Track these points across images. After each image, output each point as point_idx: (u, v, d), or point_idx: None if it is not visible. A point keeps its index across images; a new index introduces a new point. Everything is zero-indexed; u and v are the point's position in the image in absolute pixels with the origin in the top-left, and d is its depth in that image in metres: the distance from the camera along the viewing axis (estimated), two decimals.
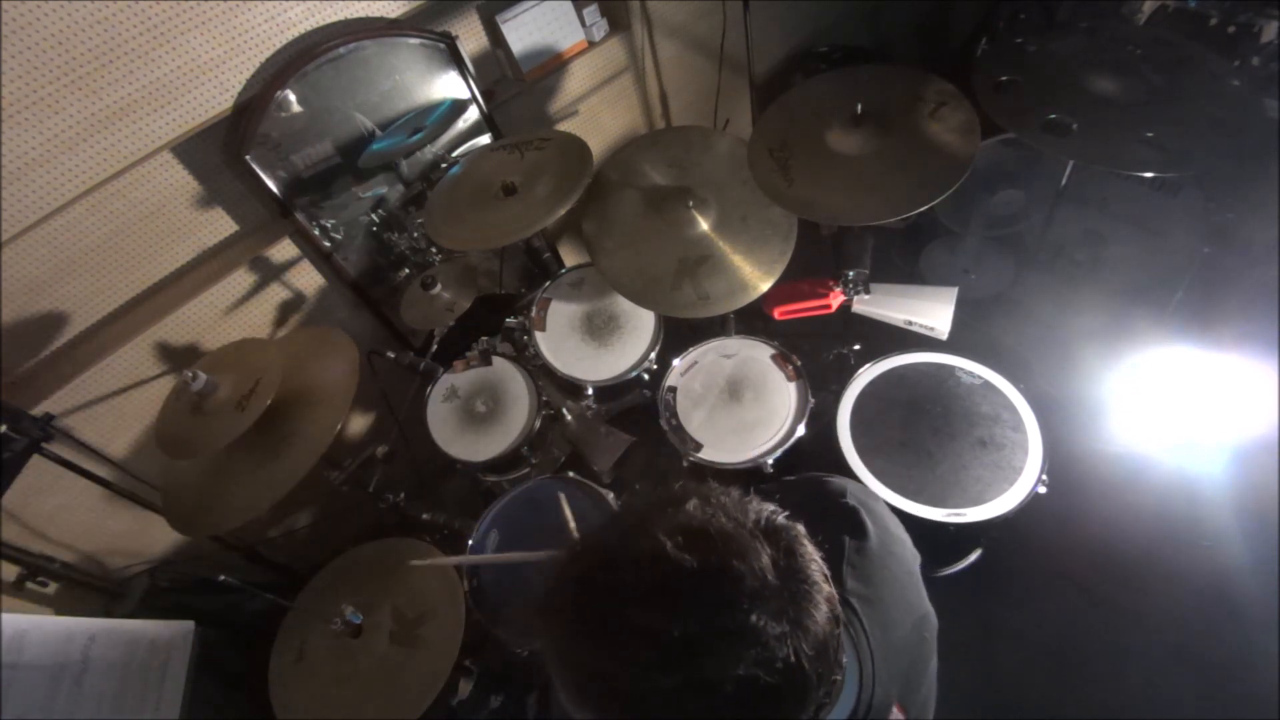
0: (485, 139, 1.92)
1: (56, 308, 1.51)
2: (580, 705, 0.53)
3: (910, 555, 0.86)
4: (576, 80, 2.02)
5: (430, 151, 1.86)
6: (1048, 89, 1.58)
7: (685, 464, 1.61)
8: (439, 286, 1.65)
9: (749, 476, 1.60)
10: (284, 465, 1.33)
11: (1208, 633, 1.64)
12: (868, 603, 0.74)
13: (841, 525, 0.81)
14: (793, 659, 0.50)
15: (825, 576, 0.56)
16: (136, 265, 1.57)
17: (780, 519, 0.57)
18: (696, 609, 0.50)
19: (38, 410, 1.41)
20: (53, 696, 1.19)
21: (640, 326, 1.80)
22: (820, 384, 1.70)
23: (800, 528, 0.58)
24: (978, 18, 2.39)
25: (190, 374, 1.32)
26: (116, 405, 1.64)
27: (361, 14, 1.60)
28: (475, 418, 1.73)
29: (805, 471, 0.93)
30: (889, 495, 1.45)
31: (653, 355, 1.76)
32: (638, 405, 1.86)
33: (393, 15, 1.65)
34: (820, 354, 1.90)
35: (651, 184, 1.74)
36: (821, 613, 0.53)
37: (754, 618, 0.49)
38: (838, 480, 0.90)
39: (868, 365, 1.65)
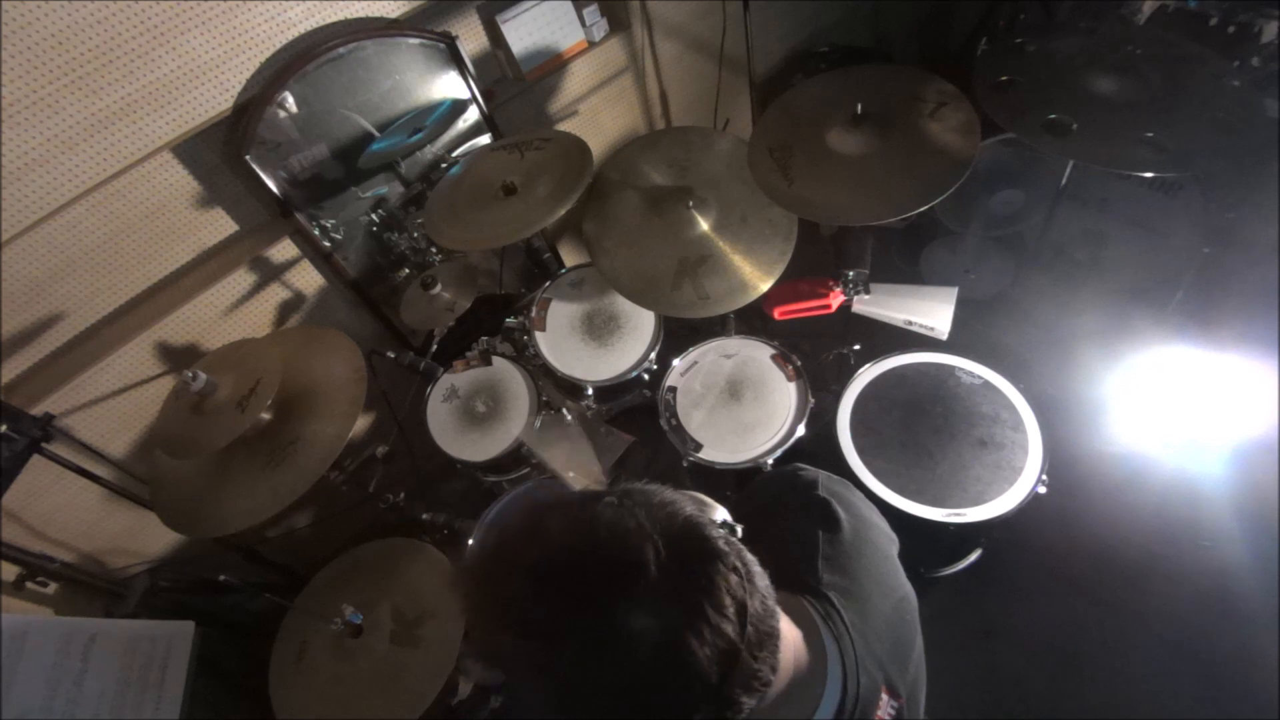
0: (485, 139, 1.92)
1: (56, 308, 1.51)
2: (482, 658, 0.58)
3: (886, 540, 0.87)
4: (576, 80, 2.02)
5: (430, 151, 1.86)
6: (1048, 89, 1.58)
7: (685, 464, 1.61)
8: (439, 286, 1.65)
9: (748, 476, 1.60)
10: (290, 472, 1.33)
11: (1208, 633, 1.64)
12: (845, 593, 0.75)
13: (815, 519, 0.83)
14: (660, 672, 0.51)
15: (740, 576, 0.56)
16: (136, 265, 1.57)
17: (711, 542, 0.57)
18: (566, 594, 0.53)
19: (38, 410, 1.41)
20: (53, 696, 1.19)
21: (640, 326, 1.80)
22: (820, 384, 1.70)
23: (718, 532, 0.58)
24: (978, 18, 2.39)
25: (190, 374, 1.32)
26: (116, 405, 1.64)
27: (361, 14, 1.60)
28: (475, 418, 1.73)
29: (807, 467, 0.93)
30: (889, 495, 1.45)
31: (653, 355, 1.76)
32: (638, 405, 1.86)
33: (393, 15, 1.65)
34: (820, 354, 1.90)
35: (651, 184, 1.74)
36: (705, 641, 0.52)
37: (624, 618, 0.51)
38: (809, 472, 0.91)
39: (868, 365, 1.65)
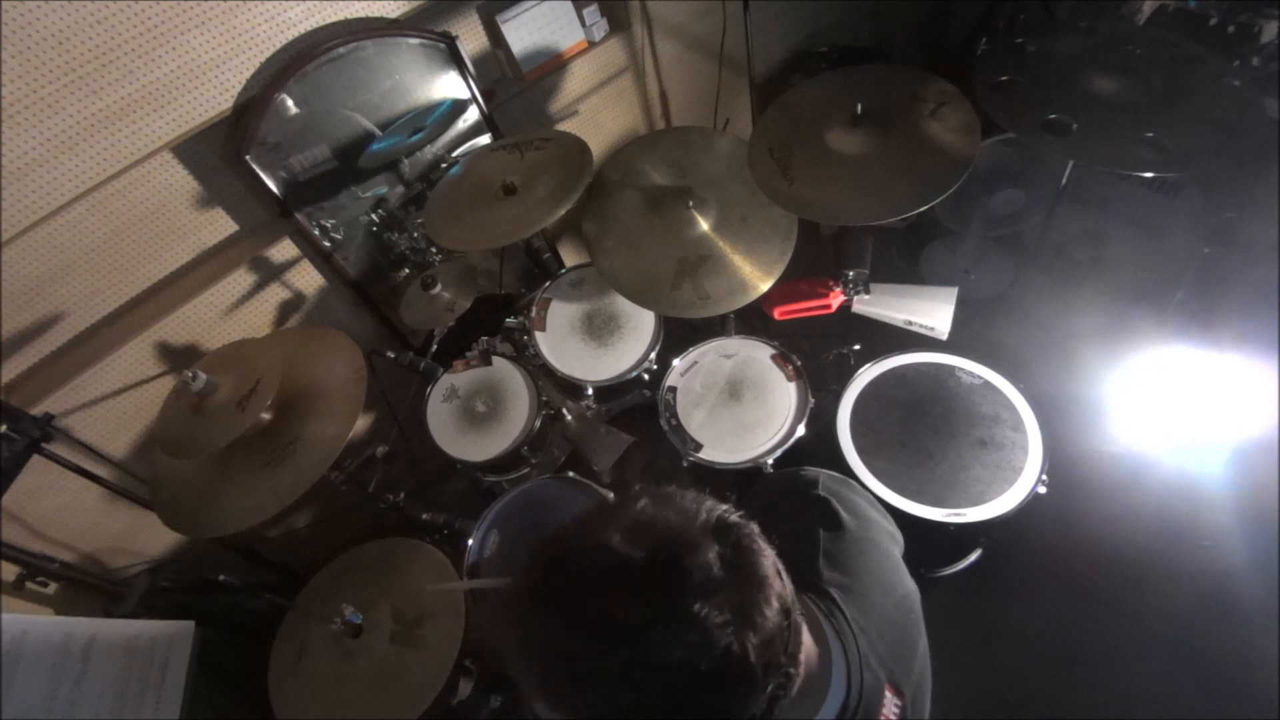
0: (485, 139, 1.92)
1: (56, 308, 1.51)
2: (539, 685, 0.56)
3: (889, 538, 0.88)
4: (576, 80, 2.02)
5: (430, 151, 1.86)
6: (1048, 89, 1.58)
7: (685, 464, 1.61)
8: (439, 286, 1.65)
9: (748, 476, 1.60)
10: (290, 472, 1.33)
11: (1208, 633, 1.64)
12: (847, 591, 0.75)
13: (816, 518, 0.83)
14: (735, 648, 0.52)
15: (779, 572, 0.58)
16: (136, 265, 1.57)
17: (732, 517, 0.59)
18: (640, 596, 0.53)
19: (38, 410, 1.41)
20: (53, 696, 1.19)
21: (640, 326, 1.80)
22: (820, 384, 1.70)
23: (753, 526, 0.60)
24: (978, 18, 2.39)
25: (190, 374, 1.32)
26: (116, 405, 1.64)
27: (361, 14, 1.60)
28: (475, 418, 1.73)
29: (809, 467, 0.94)
30: (889, 495, 1.45)
31: (653, 355, 1.76)
32: (638, 405, 1.86)
33: (393, 15, 1.64)
34: (820, 354, 1.90)
35: (651, 184, 1.74)
36: (771, 607, 0.55)
37: (696, 607, 0.51)
38: (810, 471, 0.91)
39: (868, 365, 1.65)
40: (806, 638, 0.64)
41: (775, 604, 0.55)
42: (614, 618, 0.52)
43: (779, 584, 0.57)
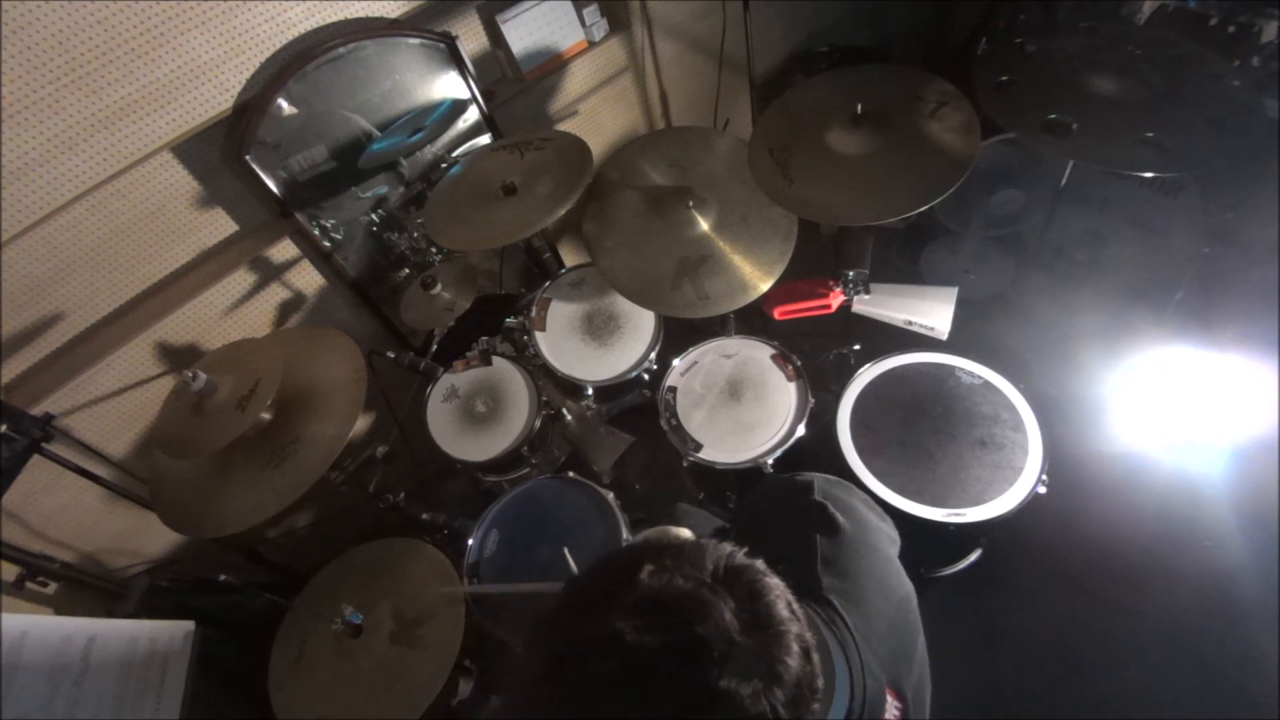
0: (485, 139, 1.92)
1: (56, 308, 1.51)
2: None
3: (887, 540, 0.87)
4: (576, 80, 2.02)
5: (430, 151, 1.86)
6: (1048, 89, 1.58)
7: (685, 464, 1.61)
8: (439, 286, 1.65)
9: (748, 477, 1.60)
10: (290, 472, 1.33)
11: (1208, 633, 1.64)
12: (847, 596, 0.75)
13: (812, 524, 0.82)
14: (768, 713, 0.49)
15: (792, 610, 0.55)
16: (136, 265, 1.57)
17: (739, 558, 0.56)
18: (664, 691, 0.49)
19: (38, 410, 1.41)
20: (53, 696, 1.19)
21: (640, 326, 1.80)
22: (820, 384, 1.70)
23: (759, 564, 0.57)
24: (978, 18, 2.39)
25: (190, 374, 1.32)
26: (116, 405, 1.64)
27: (361, 14, 1.60)
28: (475, 418, 1.73)
29: (805, 472, 0.93)
30: (889, 495, 1.45)
31: (653, 355, 1.76)
32: (638, 405, 1.86)
33: (393, 15, 1.65)
34: (820, 354, 1.91)
35: (651, 184, 1.74)
36: (793, 654, 0.52)
37: (724, 683, 0.49)
38: (805, 476, 0.90)
39: (868, 365, 1.65)
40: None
41: (796, 648, 0.53)
42: (639, 718, 0.49)
43: (795, 625, 0.54)
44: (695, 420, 1.65)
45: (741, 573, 0.55)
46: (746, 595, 0.53)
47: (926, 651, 0.80)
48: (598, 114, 2.14)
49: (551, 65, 1.92)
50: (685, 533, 0.70)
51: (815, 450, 1.61)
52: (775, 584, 0.56)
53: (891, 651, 0.74)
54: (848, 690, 0.67)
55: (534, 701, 0.53)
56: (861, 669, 0.69)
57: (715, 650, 0.50)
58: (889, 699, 0.70)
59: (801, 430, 1.58)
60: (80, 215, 1.44)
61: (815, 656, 0.54)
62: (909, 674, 0.75)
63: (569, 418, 1.81)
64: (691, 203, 1.64)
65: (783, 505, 0.89)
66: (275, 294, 1.79)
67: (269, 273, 1.75)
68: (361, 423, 2.13)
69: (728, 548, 0.57)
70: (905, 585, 0.82)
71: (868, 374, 1.64)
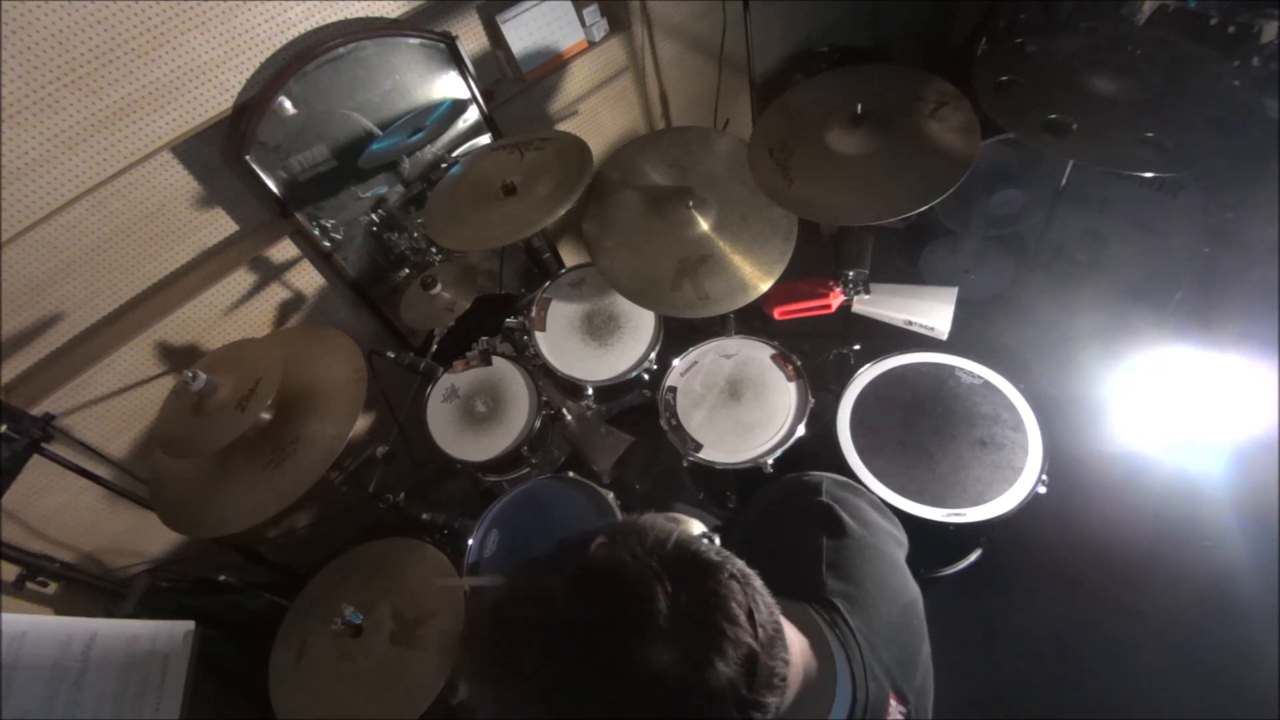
0: (485, 139, 1.92)
1: (56, 308, 1.51)
2: None
3: (893, 543, 0.87)
4: (576, 80, 2.02)
5: (430, 151, 1.86)
6: (1048, 89, 1.58)
7: (685, 464, 1.61)
8: (439, 286, 1.65)
9: (748, 477, 1.60)
10: (290, 472, 1.33)
11: (1208, 633, 1.64)
12: (851, 599, 0.75)
13: (818, 526, 0.82)
14: (684, 702, 0.50)
15: (751, 620, 0.55)
16: (136, 265, 1.57)
17: (706, 555, 0.56)
18: (582, 651, 0.51)
19: (38, 410, 1.41)
20: (53, 696, 1.19)
21: (640, 326, 1.80)
22: (820, 384, 1.70)
23: (731, 566, 0.57)
24: (978, 18, 2.39)
25: (190, 374, 1.32)
26: (116, 405, 1.64)
27: (361, 14, 1.60)
28: (475, 418, 1.73)
29: (814, 472, 0.92)
30: (889, 495, 1.45)
31: (653, 355, 1.76)
32: (638, 405, 1.86)
33: (393, 15, 1.65)
34: (820, 354, 1.90)
35: (651, 184, 1.74)
36: (727, 658, 0.52)
37: (643, 659, 0.50)
38: (814, 476, 0.90)
39: (868, 365, 1.65)
40: (799, 648, 0.64)
41: (732, 653, 0.52)
42: (552, 675, 0.51)
43: (741, 633, 0.53)
44: (695, 420, 1.65)
45: (699, 566, 0.56)
46: (693, 586, 0.54)
47: (930, 657, 0.80)
48: (598, 114, 2.14)
49: (551, 65, 1.92)
50: (695, 524, 0.70)
51: (815, 450, 1.61)
52: (735, 589, 0.55)
53: (896, 655, 0.74)
54: (849, 693, 0.67)
55: (468, 639, 0.57)
56: (864, 672, 0.68)
57: (637, 626, 0.51)
58: (892, 702, 0.70)
59: (801, 430, 1.58)
60: (80, 215, 1.44)
61: (762, 670, 0.54)
62: (913, 678, 0.75)
63: (569, 418, 1.81)
64: (691, 203, 1.64)
65: (789, 505, 0.89)
66: (275, 294, 1.79)
67: (269, 273, 1.75)
68: (361, 423, 2.13)
69: (700, 542, 0.58)
70: (911, 589, 0.82)
71: (868, 374, 1.64)
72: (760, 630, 0.54)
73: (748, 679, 0.52)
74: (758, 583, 0.59)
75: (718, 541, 0.64)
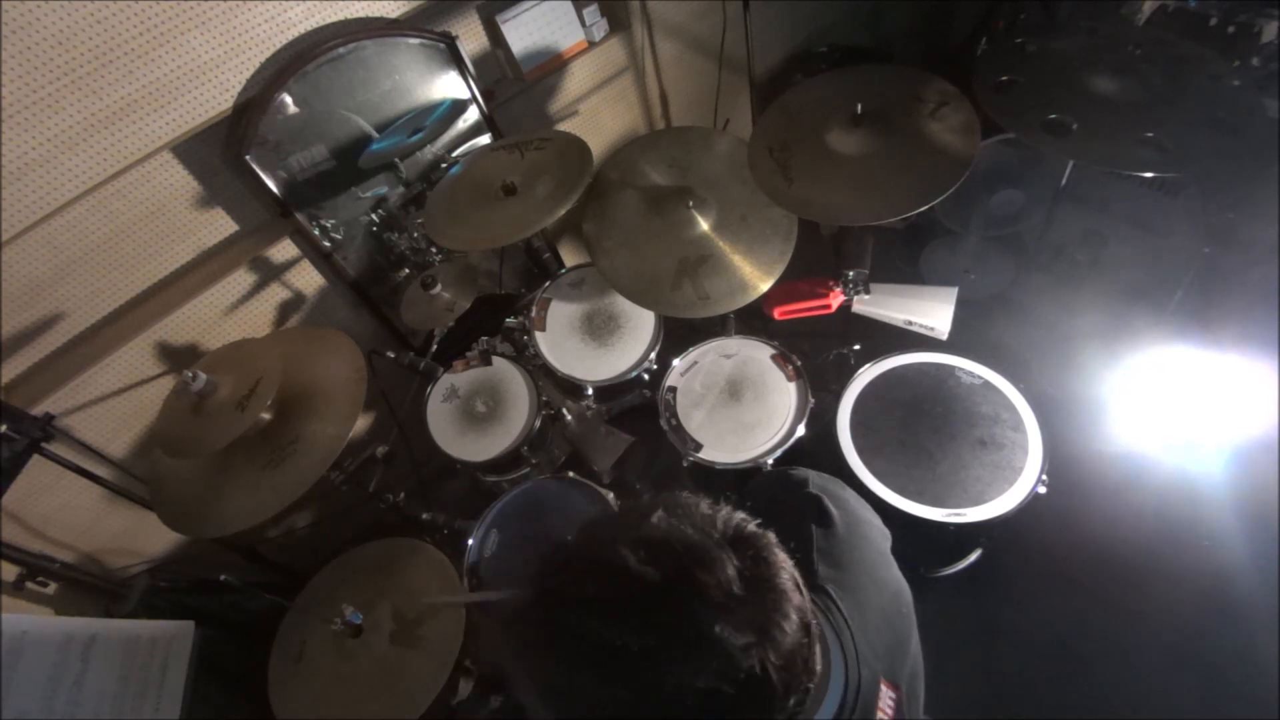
0: (485, 139, 1.92)
1: (56, 308, 1.51)
2: (544, 711, 0.53)
3: (879, 535, 0.88)
4: (576, 80, 2.02)
5: (430, 151, 1.86)
6: (1048, 89, 1.58)
7: (685, 464, 1.61)
8: (439, 286, 1.65)
9: (748, 477, 1.60)
10: (290, 472, 1.33)
11: (1208, 633, 1.64)
12: (842, 586, 0.76)
13: (808, 515, 0.83)
14: (757, 669, 0.50)
15: (797, 584, 0.56)
16: (136, 265, 1.57)
17: (750, 527, 0.57)
18: (657, 622, 0.50)
19: (38, 410, 1.41)
20: (53, 696, 1.19)
21: (640, 326, 1.80)
22: (820, 384, 1.70)
23: (771, 535, 0.58)
24: (978, 18, 2.39)
25: (190, 374, 1.32)
26: (116, 405, 1.64)
27: (361, 14, 1.60)
28: (475, 418, 1.73)
29: (799, 468, 0.94)
30: (889, 495, 1.45)
31: (653, 355, 1.76)
32: (638, 405, 1.86)
33: (393, 15, 1.65)
34: (820, 354, 1.91)
35: (651, 184, 1.74)
36: (791, 622, 0.53)
37: (717, 629, 0.50)
38: (799, 471, 0.91)
39: (868, 365, 1.65)
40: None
41: (795, 618, 0.53)
42: (626, 647, 0.50)
43: (798, 597, 0.55)
44: (695, 420, 1.65)
45: (750, 539, 0.56)
46: (751, 558, 0.54)
47: (920, 647, 0.81)
48: (598, 114, 2.14)
49: (551, 65, 1.92)
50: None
51: (815, 450, 1.61)
52: (783, 558, 0.57)
53: (886, 643, 0.75)
54: (843, 677, 0.68)
55: (523, 618, 0.56)
56: (857, 658, 0.69)
57: (711, 595, 0.51)
58: (884, 689, 0.71)
59: (801, 430, 1.58)
60: (80, 215, 1.44)
61: (814, 634, 0.55)
62: (903, 666, 0.76)
63: (569, 418, 1.81)
64: (691, 203, 1.64)
65: (778, 499, 0.90)
66: (275, 294, 1.79)
67: (269, 273, 1.75)
68: (361, 423, 2.13)
69: (741, 515, 0.59)
70: (898, 579, 0.83)
71: (868, 374, 1.64)
72: (807, 597, 0.56)
73: (809, 643, 0.54)
74: (799, 573, 0.60)
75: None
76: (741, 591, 0.52)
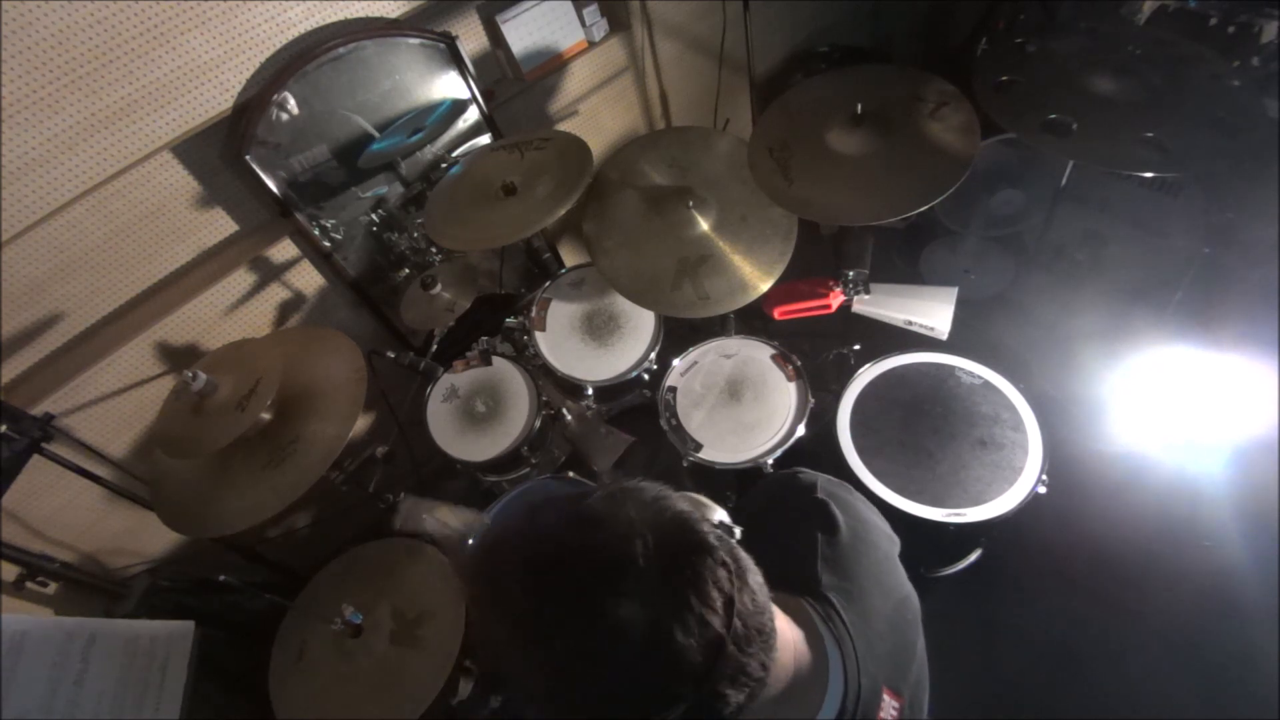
0: (485, 139, 1.92)
1: (56, 308, 1.51)
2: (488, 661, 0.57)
3: (886, 541, 0.87)
4: (576, 80, 2.02)
5: (430, 151, 1.86)
6: (1048, 89, 1.58)
7: (685, 464, 1.61)
8: (439, 286, 1.65)
9: (748, 477, 1.60)
10: (290, 472, 1.33)
11: (1208, 633, 1.64)
12: (845, 594, 0.75)
13: (813, 522, 0.83)
14: (651, 657, 0.52)
15: (727, 607, 0.55)
16: (136, 265, 1.57)
17: (700, 537, 0.57)
18: (555, 584, 0.54)
19: (38, 410, 1.41)
20: (53, 696, 1.19)
21: (640, 326, 1.80)
22: (820, 384, 1.70)
23: (723, 554, 0.57)
24: (978, 18, 2.39)
25: (190, 374, 1.32)
26: (116, 405, 1.64)
27: (361, 14, 1.60)
28: (475, 418, 1.73)
29: (807, 470, 0.94)
30: (889, 495, 1.45)
31: (653, 355, 1.76)
32: (638, 405, 1.86)
33: (393, 15, 1.65)
34: (820, 354, 1.90)
35: (651, 184, 1.74)
36: (690, 631, 0.52)
37: (612, 608, 0.52)
38: (807, 474, 0.91)
39: (868, 365, 1.65)
40: (793, 641, 0.65)
41: (696, 630, 0.52)
42: (530, 609, 0.54)
43: (709, 614, 0.53)
44: (695, 420, 1.65)
45: (689, 542, 0.56)
46: (674, 556, 0.55)
47: (926, 654, 0.80)
48: (598, 114, 2.14)
49: (551, 65, 1.92)
50: (719, 513, 0.71)
51: (815, 450, 1.61)
52: (721, 576, 0.55)
53: (890, 651, 0.74)
54: (841, 685, 0.67)
55: (464, 570, 0.60)
56: (857, 667, 0.69)
57: (612, 573, 0.53)
58: (886, 698, 0.70)
59: (801, 430, 1.58)
60: (80, 215, 1.44)
61: (728, 662, 0.54)
62: (908, 674, 0.76)
63: (569, 418, 1.81)
64: (691, 203, 1.64)
65: (784, 502, 0.90)
66: (275, 294, 1.79)
67: (269, 273, 1.75)
68: (361, 423, 2.13)
69: (701, 525, 0.58)
70: (905, 586, 0.83)
71: (868, 374, 1.64)
72: (737, 621, 0.54)
73: (707, 663, 0.53)
74: (754, 580, 0.59)
75: (738, 535, 0.65)
76: (640, 583, 0.53)
